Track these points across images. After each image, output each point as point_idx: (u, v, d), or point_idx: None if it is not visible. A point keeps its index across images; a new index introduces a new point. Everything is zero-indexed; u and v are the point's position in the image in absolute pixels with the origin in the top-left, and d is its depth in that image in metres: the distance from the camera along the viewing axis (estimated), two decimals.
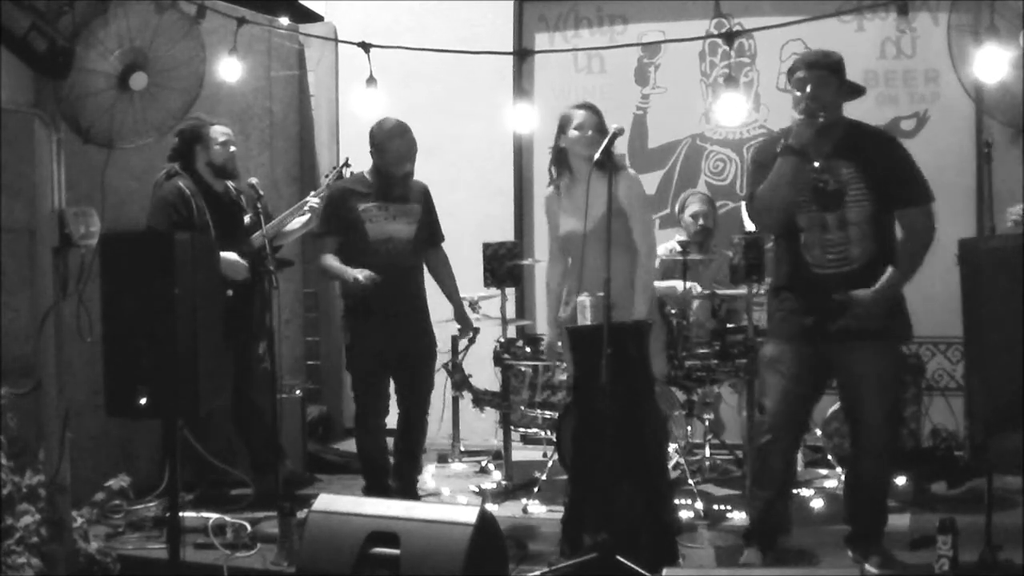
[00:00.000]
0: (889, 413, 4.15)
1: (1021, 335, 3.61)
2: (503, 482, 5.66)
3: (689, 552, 4.45)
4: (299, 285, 7.28)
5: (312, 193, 5.42)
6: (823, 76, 4.08)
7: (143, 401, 3.66)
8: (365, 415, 5.24)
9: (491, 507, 4.84)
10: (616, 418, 4.05)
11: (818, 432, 5.65)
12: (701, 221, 5.97)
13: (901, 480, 5.26)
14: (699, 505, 5.02)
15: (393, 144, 5.13)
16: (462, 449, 6.44)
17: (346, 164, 5.48)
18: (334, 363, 7.26)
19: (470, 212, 6.82)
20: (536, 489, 5.28)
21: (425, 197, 5.33)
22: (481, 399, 5.92)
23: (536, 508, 5.19)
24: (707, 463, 5.79)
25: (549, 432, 5.61)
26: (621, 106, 6.70)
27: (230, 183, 5.39)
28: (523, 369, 5.69)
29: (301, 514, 4.20)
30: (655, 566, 3.72)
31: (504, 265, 5.76)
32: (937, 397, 5.88)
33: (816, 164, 4.05)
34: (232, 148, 5.36)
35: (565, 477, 5.06)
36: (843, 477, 4.90)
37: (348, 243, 5.16)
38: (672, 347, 5.30)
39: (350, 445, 5.95)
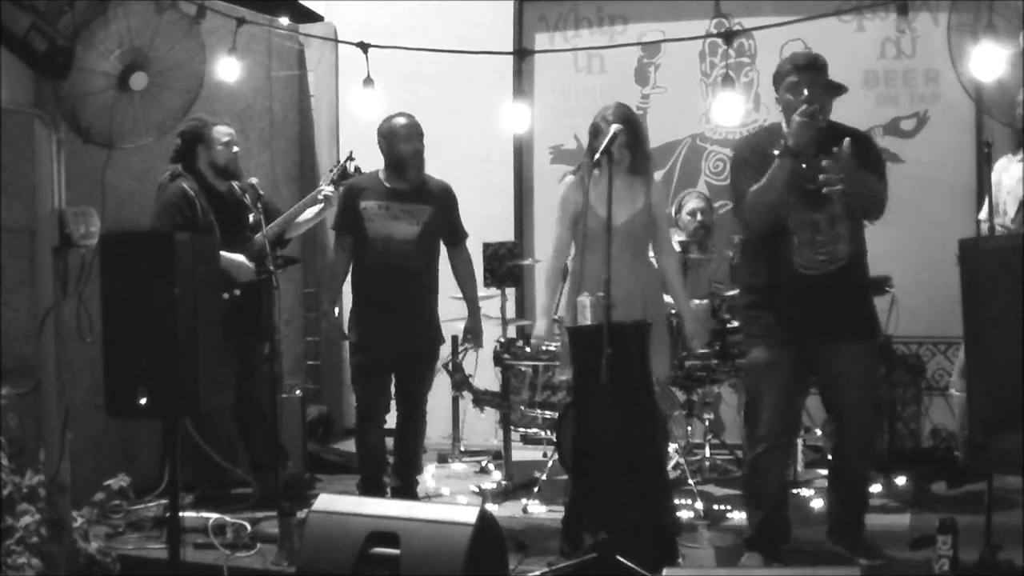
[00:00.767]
0: (872, 409, 4.29)
1: (1021, 335, 3.61)
2: (503, 482, 5.66)
3: (689, 552, 4.45)
4: (299, 285, 7.29)
5: (323, 182, 5.44)
6: (815, 78, 4.09)
7: (143, 401, 3.66)
8: (366, 412, 5.24)
9: (491, 507, 4.84)
10: (616, 418, 4.06)
11: (818, 432, 5.66)
12: (699, 217, 5.97)
13: (901, 480, 5.27)
14: (699, 505, 5.03)
15: (400, 143, 5.14)
16: (462, 449, 6.45)
17: (350, 158, 5.47)
18: (334, 363, 7.26)
19: (470, 212, 6.74)
20: (536, 489, 5.28)
21: (445, 198, 5.29)
22: (481, 399, 5.92)
23: (536, 508, 5.19)
24: (707, 463, 5.79)
25: (549, 432, 5.61)
26: None
27: (235, 183, 5.37)
28: (523, 369, 5.69)
29: (301, 514, 4.20)
30: (655, 566, 3.72)
31: (504, 265, 5.76)
32: (937, 397, 5.88)
33: (803, 166, 4.04)
34: (235, 149, 5.36)
35: (565, 477, 5.06)
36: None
37: (355, 241, 5.18)
38: (672, 347, 5.30)
39: (350, 445, 5.95)
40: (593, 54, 6.91)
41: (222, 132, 5.32)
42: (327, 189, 5.35)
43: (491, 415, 6.16)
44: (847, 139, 3.96)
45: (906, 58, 6.41)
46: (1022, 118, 4.99)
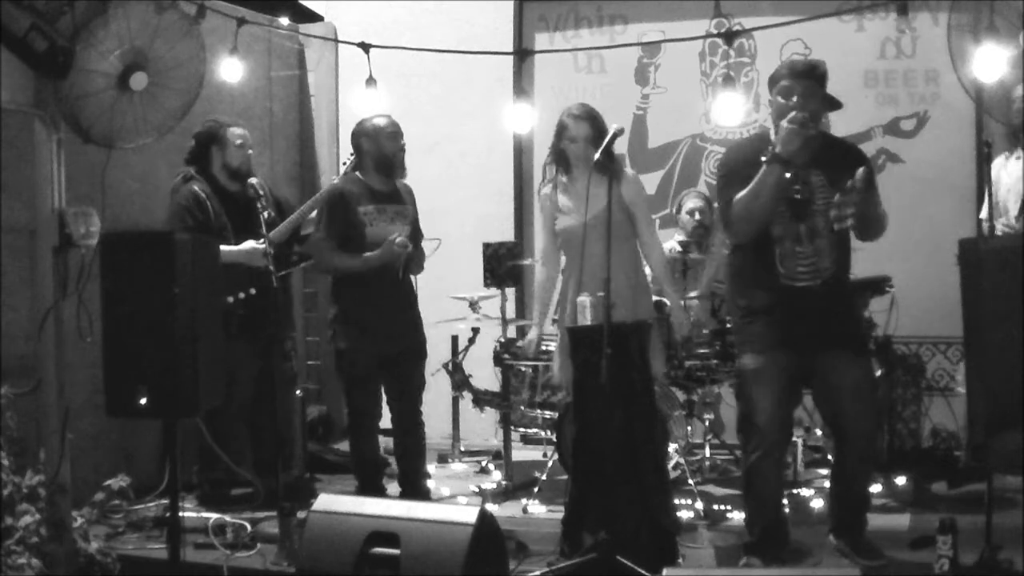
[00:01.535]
0: (870, 417, 4.27)
1: (1021, 335, 3.61)
2: (503, 482, 5.65)
3: (689, 552, 4.45)
4: (299, 285, 7.28)
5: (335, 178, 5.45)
6: (811, 87, 4.05)
7: (143, 401, 3.66)
8: (360, 418, 5.24)
9: (491, 507, 4.84)
10: (616, 418, 4.05)
11: (818, 432, 5.65)
12: (698, 216, 5.98)
13: (901, 480, 5.27)
14: (699, 505, 5.03)
15: (386, 142, 5.15)
16: (462, 449, 6.45)
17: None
18: (334, 363, 7.25)
19: (470, 212, 6.82)
20: (536, 489, 5.28)
21: (412, 196, 5.37)
22: (481, 399, 5.92)
23: (536, 508, 5.19)
24: (707, 463, 5.79)
25: (549, 432, 5.61)
26: (621, 106, 6.70)
27: (253, 180, 5.28)
28: (523, 369, 5.69)
29: (301, 514, 4.20)
30: (655, 566, 3.72)
31: (504, 265, 5.76)
32: (937, 397, 5.88)
33: (788, 174, 3.99)
34: (249, 151, 5.35)
35: (565, 477, 5.06)
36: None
37: (345, 246, 5.14)
38: (672, 347, 5.30)
39: None
40: (593, 54, 6.91)
41: (236, 134, 5.31)
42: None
43: (491, 415, 6.16)
44: (861, 169, 3.93)
45: (906, 58, 6.41)
46: (1020, 112, 4.99)
